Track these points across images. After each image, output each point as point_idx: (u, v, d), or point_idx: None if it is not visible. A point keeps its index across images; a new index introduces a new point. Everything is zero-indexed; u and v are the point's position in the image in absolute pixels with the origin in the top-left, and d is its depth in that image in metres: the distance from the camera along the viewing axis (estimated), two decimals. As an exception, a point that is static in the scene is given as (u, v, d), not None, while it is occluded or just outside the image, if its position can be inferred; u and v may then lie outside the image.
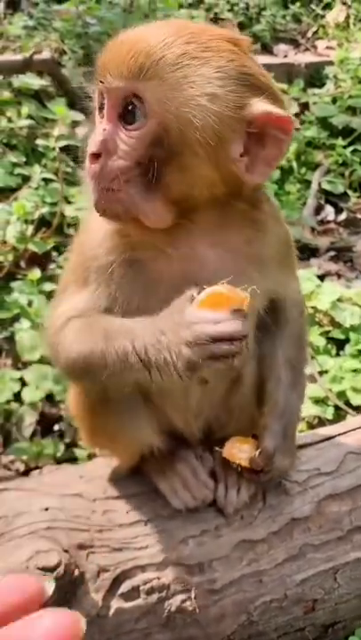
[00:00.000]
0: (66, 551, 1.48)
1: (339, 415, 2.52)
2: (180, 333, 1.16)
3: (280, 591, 1.60)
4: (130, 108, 1.17)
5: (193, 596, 1.53)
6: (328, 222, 4.29)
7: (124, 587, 1.51)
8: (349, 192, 4.40)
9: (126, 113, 1.18)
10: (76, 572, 1.48)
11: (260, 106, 1.17)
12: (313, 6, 6.31)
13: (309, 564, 1.62)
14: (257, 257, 1.39)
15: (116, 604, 1.50)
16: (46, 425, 2.47)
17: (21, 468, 2.34)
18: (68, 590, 1.46)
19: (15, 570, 1.42)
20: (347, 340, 2.82)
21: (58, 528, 1.52)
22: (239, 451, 1.55)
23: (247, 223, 1.35)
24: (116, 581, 1.51)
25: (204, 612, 1.54)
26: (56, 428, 2.47)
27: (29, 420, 2.45)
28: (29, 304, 2.74)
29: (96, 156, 1.20)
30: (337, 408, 2.53)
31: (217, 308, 1.16)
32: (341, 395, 2.56)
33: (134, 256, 1.34)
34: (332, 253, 3.94)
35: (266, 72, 1.25)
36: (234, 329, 1.14)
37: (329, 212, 4.36)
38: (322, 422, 2.50)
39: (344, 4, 6.14)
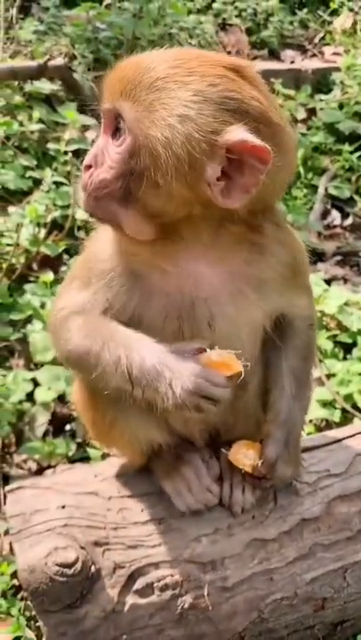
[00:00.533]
0: (82, 548, 1.53)
1: (346, 418, 2.55)
2: (186, 378, 1.30)
3: (290, 589, 1.63)
4: (118, 125, 1.27)
5: (206, 593, 1.57)
6: (334, 227, 4.32)
7: (139, 583, 1.55)
8: (356, 197, 4.43)
9: (116, 130, 1.29)
10: (93, 569, 1.52)
11: (237, 133, 1.17)
12: (320, 12, 6.36)
13: (319, 564, 1.66)
14: (256, 278, 1.43)
15: (130, 600, 1.54)
16: (58, 425, 2.51)
17: (34, 467, 2.37)
18: (86, 586, 1.49)
19: (35, 565, 1.46)
20: (354, 344, 2.86)
21: (74, 525, 1.56)
22: (244, 456, 1.59)
23: (245, 245, 1.38)
24: (131, 578, 1.55)
25: (216, 609, 1.58)
26: (68, 427, 2.51)
27: (42, 419, 2.48)
28: (42, 306, 2.78)
29: (88, 167, 1.32)
30: (344, 411, 2.56)
31: (219, 369, 1.33)
32: (349, 398, 2.60)
33: (134, 268, 1.41)
34: (338, 258, 3.97)
35: (266, 97, 1.26)
36: (223, 395, 1.32)
37: (335, 216, 4.39)
38: (329, 425, 2.53)
39: (351, 10, 6.18)
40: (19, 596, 1.89)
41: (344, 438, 1.87)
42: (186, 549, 1.59)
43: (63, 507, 1.60)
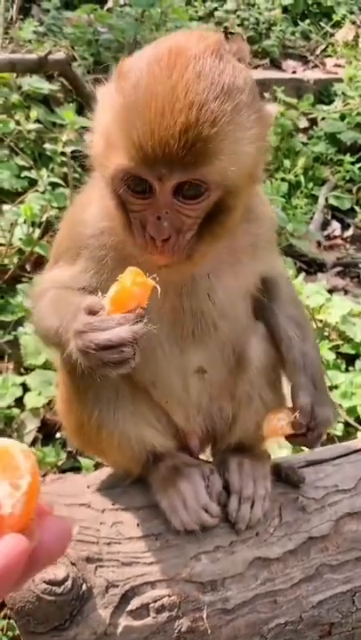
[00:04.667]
0: (73, 564, 1.41)
1: (348, 432, 2.46)
2: (75, 338, 1.20)
3: (295, 613, 1.52)
4: (187, 187, 1.15)
5: (205, 615, 1.45)
6: (335, 238, 4.26)
7: (133, 603, 1.43)
8: (356, 208, 4.38)
9: (183, 190, 1.16)
10: (84, 587, 1.40)
11: (270, 108, 1.24)
12: (322, 24, 6.33)
13: (327, 586, 1.55)
14: (251, 244, 1.43)
15: (124, 621, 1.42)
16: (48, 432, 2.40)
17: (21, 476, 2.25)
18: (76, 606, 1.38)
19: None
20: (357, 356, 2.77)
21: (65, 539, 1.44)
22: (278, 421, 1.47)
23: (245, 216, 1.34)
24: (125, 598, 1.43)
25: (215, 632, 1.46)
26: (58, 435, 2.39)
27: (31, 426, 2.38)
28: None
29: (167, 239, 1.19)
30: (347, 425, 2.47)
31: (122, 305, 1.16)
32: (352, 411, 2.50)
33: (127, 251, 1.31)
34: (338, 269, 3.90)
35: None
36: (121, 336, 1.13)
37: (336, 227, 4.33)
38: (331, 439, 2.43)
39: (353, 23, 6.17)
40: (1, 614, 1.76)
41: (352, 452, 1.76)
42: (184, 568, 1.47)
43: (53, 519, 1.48)
